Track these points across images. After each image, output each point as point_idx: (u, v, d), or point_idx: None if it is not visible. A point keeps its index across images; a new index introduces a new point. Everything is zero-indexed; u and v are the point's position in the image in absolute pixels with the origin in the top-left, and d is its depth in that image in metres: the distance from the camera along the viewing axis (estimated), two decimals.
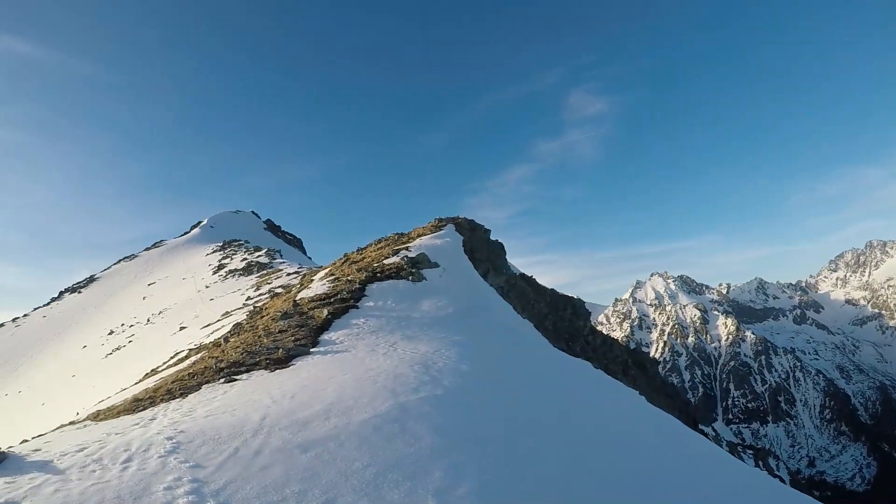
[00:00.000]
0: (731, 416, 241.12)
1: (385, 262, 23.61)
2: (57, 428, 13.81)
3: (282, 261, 65.29)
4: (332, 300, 19.25)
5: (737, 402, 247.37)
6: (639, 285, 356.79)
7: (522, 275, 42.10)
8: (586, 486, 8.24)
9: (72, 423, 14.13)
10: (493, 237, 37.04)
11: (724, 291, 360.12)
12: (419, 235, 29.69)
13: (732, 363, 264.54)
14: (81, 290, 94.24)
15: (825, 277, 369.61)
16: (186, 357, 22.25)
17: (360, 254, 28.10)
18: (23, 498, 6.55)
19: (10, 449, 9.22)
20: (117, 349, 46.98)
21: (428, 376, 11.55)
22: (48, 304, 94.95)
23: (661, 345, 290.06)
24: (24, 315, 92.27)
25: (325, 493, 6.77)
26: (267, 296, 36.79)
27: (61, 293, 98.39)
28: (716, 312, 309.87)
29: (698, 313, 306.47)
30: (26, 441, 11.55)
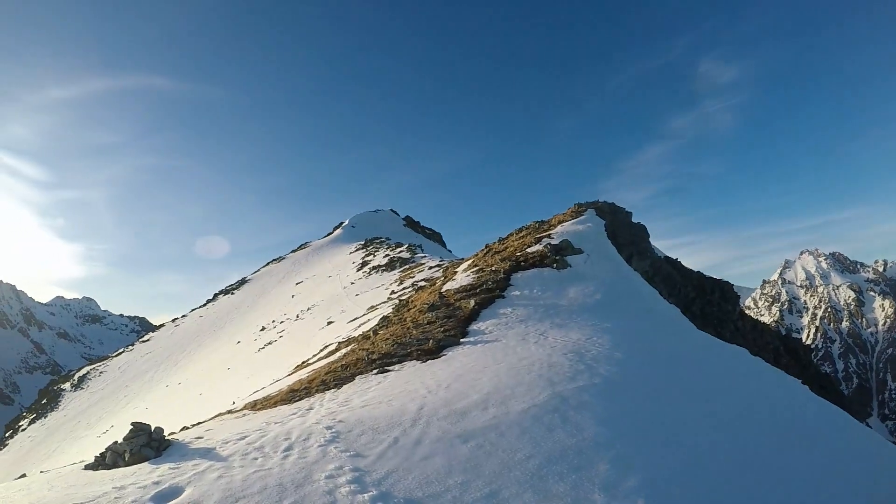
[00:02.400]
0: (887, 412, 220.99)
1: (528, 250, 23.21)
2: (216, 416, 14.33)
3: (423, 255, 65.92)
4: (477, 291, 19.09)
5: (894, 396, 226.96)
6: (788, 265, 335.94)
7: (667, 258, 40.51)
8: (761, 482, 7.29)
9: (229, 412, 14.63)
10: (633, 220, 35.88)
11: (881, 269, 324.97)
12: (560, 222, 29.05)
13: (890, 350, 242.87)
14: (234, 291, 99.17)
15: None
16: (336, 350, 22.68)
17: (502, 244, 27.83)
18: (187, 483, 6.69)
19: (174, 436, 9.53)
20: (269, 343, 48.93)
21: (583, 364, 11.01)
22: (204, 305, 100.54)
23: (813, 330, 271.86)
24: (183, 316, 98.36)
25: (489, 484, 6.51)
26: (411, 289, 37.12)
27: (215, 295, 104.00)
28: (872, 293, 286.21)
29: (853, 294, 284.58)
30: (187, 428, 11.99)
